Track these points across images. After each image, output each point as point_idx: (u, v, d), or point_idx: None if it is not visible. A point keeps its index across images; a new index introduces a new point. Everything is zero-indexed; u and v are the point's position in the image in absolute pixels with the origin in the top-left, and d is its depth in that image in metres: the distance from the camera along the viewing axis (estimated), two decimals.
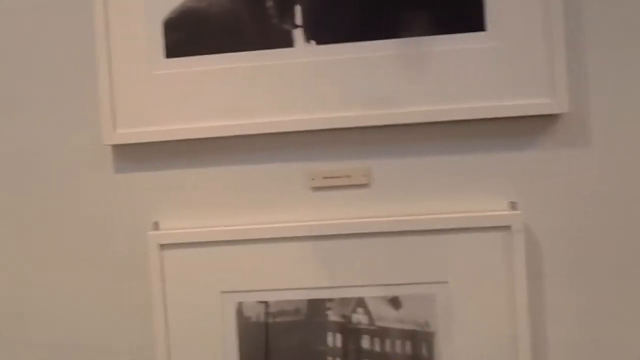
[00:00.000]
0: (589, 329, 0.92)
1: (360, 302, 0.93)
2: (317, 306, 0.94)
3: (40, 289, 1.00)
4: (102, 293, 0.98)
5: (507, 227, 0.90)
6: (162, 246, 0.95)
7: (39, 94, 0.99)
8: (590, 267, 0.92)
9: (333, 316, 0.94)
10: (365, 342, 0.93)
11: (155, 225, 0.96)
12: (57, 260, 0.99)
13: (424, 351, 0.92)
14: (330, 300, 0.93)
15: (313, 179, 0.95)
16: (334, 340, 0.94)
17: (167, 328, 0.95)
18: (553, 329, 0.92)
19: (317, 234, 0.93)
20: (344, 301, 0.93)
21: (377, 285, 0.92)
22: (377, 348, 0.93)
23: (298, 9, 0.93)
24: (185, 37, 0.94)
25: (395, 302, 0.93)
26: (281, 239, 0.93)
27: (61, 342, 0.99)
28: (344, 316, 0.94)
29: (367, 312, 0.93)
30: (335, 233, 0.92)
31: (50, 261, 0.99)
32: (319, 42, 0.93)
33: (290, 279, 0.94)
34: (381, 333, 0.93)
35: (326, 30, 0.92)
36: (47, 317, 1.00)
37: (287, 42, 0.93)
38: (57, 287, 0.99)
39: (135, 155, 0.97)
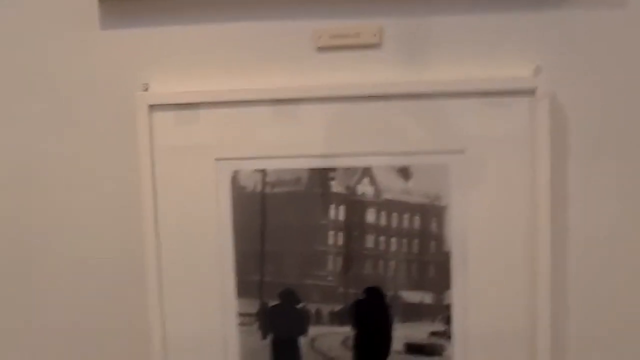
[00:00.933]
0: (614, 211, 0.85)
1: (367, 172, 0.85)
2: (319, 176, 0.86)
3: (23, 151, 0.92)
4: (87, 159, 0.91)
5: (530, 92, 0.81)
6: (152, 107, 0.87)
7: None
8: (622, 141, 0.84)
9: (336, 187, 0.86)
10: (370, 216, 0.86)
11: (145, 88, 0.88)
12: (39, 122, 0.91)
13: (434, 227, 0.85)
14: (333, 169, 0.86)
15: (319, 38, 0.86)
16: (337, 213, 0.86)
17: (155, 197, 0.87)
18: (575, 206, 0.85)
19: (321, 96, 0.84)
20: (348, 171, 0.85)
21: (386, 153, 0.84)
22: (383, 222, 0.86)
23: None
24: None
25: (404, 172, 0.85)
26: (282, 101, 0.85)
27: (41, 207, 0.92)
28: (348, 187, 0.86)
29: (374, 183, 0.85)
30: (341, 95, 0.84)
31: (32, 123, 0.91)
32: None
33: (290, 146, 0.85)
34: (388, 206, 0.86)
35: None
36: (31, 182, 0.92)
37: None
38: (40, 149, 0.91)
39: (124, 9, 0.88)
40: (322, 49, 0.86)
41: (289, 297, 0.87)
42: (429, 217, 0.85)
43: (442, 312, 0.85)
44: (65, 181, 0.91)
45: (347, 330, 0.87)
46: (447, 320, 0.85)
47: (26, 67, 0.90)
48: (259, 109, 0.85)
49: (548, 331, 0.82)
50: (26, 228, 0.92)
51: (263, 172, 0.86)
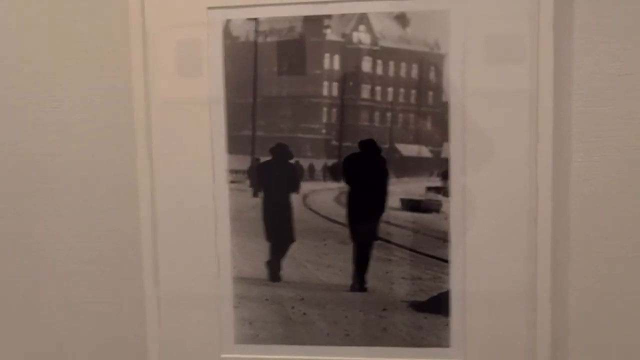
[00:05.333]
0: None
1: (363, 19, 0.82)
2: (313, 23, 0.83)
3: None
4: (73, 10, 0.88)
5: None
6: None
7: None
8: None
9: (331, 35, 0.83)
10: (366, 65, 0.83)
11: None
12: None
13: (432, 76, 0.82)
14: (328, 17, 0.83)
15: None
16: (332, 62, 0.83)
17: (145, 47, 0.84)
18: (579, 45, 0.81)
19: None
20: (344, 18, 0.82)
21: None
22: (380, 71, 0.83)
23: None
24: None
25: (402, 19, 0.81)
26: None
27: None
28: (343, 35, 0.83)
29: (370, 30, 0.82)
30: None
31: None
32: None
33: None
34: (385, 54, 0.82)
35: None
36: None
37: None
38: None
39: None
40: None
41: (281, 152, 0.84)
42: (427, 66, 0.81)
43: (439, 166, 0.82)
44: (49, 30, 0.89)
45: (340, 186, 0.84)
46: (445, 175, 0.82)
47: None
48: None
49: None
50: None
51: (256, 20, 0.83)
